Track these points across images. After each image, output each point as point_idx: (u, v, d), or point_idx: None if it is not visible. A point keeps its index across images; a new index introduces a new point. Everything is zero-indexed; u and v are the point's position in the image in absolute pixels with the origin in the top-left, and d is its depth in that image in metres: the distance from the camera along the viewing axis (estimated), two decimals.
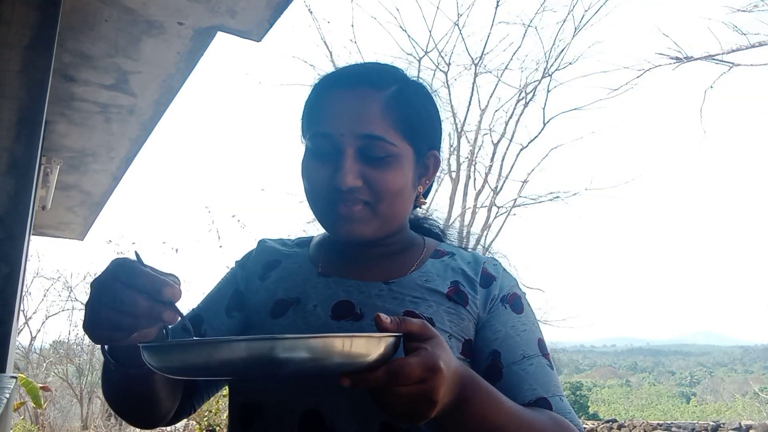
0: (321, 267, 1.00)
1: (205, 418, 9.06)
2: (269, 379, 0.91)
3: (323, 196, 0.94)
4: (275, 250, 1.06)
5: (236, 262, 1.09)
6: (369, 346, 0.68)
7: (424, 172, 1.01)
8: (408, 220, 1.04)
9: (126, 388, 0.91)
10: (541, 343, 0.96)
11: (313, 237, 1.09)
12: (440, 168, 1.05)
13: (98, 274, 0.75)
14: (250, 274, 1.04)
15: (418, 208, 1.09)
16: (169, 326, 0.79)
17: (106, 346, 0.82)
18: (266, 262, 1.04)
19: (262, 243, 1.09)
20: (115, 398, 0.94)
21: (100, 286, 0.72)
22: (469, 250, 1.07)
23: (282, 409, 0.87)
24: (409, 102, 0.96)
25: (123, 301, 0.70)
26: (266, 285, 1.00)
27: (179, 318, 0.73)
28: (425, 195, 1.05)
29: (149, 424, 0.98)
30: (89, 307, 0.73)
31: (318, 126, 0.94)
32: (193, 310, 1.04)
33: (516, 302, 0.98)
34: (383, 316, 0.71)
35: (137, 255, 0.75)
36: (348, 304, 0.93)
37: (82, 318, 0.76)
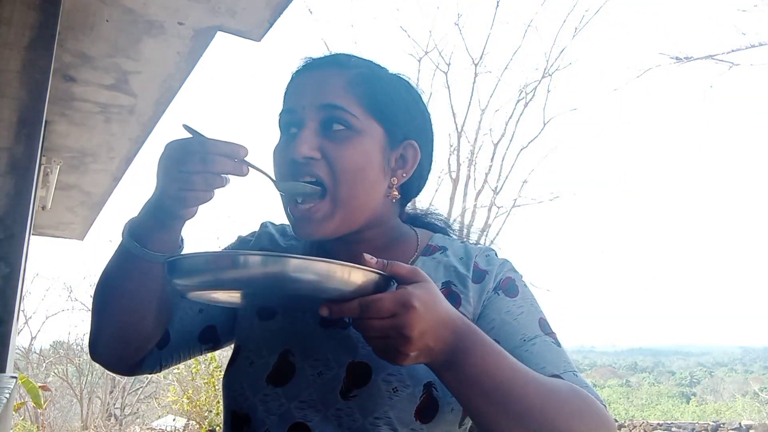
0: None
1: (207, 419, 9.05)
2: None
3: (283, 177, 0.91)
4: (273, 241, 1.04)
5: (239, 237, 1.07)
6: (364, 277, 0.73)
7: (401, 163, 0.95)
8: (396, 213, 1.00)
9: (127, 285, 0.88)
10: (542, 323, 0.90)
11: None
12: (429, 164, 1.01)
13: (171, 142, 0.80)
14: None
15: (412, 204, 1.06)
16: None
17: (128, 232, 0.85)
18: (263, 248, 1.02)
19: (263, 227, 1.07)
20: (108, 295, 0.90)
21: (183, 151, 0.78)
22: (464, 241, 1.02)
23: (270, 422, 0.86)
24: (378, 82, 0.93)
25: (213, 162, 0.77)
26: None
27: (265, 172, 0.84)
28: (409, 189, 0.99)
29: (121, 347, 0.94)
30: (172, 171, 0.78)
31: (284, 104, 0.94)
32: None
33: (510, 286, 0.93)
34: (368, 256, 0.74)
35: (190, 129, 0.81)
36: None
37: (156, 187, 0.81)
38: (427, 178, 1.03)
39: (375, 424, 0.82)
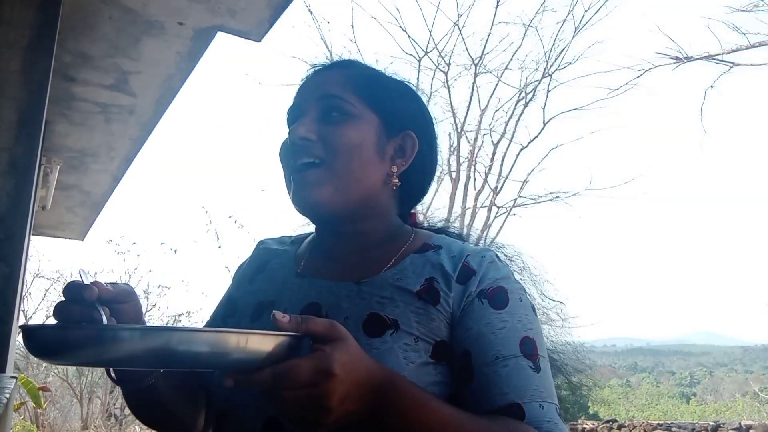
0: (301, 267, 0.99)
1: None
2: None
3: (285, 161, 0.97)
4: (269, 251, 1.06)
5: (237, 266, 1.10)
6: (265, 344, 0.65)
7: (400, 152, 0.99)
8: (396, 208, 1.02)
9: (140, 401, 0.93)
10: (525, 343, 0.85)
11: (311, 233, 1.07)
12: (433, 155, 1.05)
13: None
14: (242, 278, 1.05)
15: (417, 211, 1.08)
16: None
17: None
18: (258, 264, 1.05)
19: (259, 245, 1.10)
20: (137, 412, 0.97)
21: (54, 308, 0.77)
22: (466, 243, 1.00)
23: (246, 416, 0.87)
24: (377, 78, 1.00)
25: (62, 311, 0.75)
26: (252, 288, 1.01)
27: (102, 316, 0.77)
28: (411, 180, 1.01)
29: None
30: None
31: (291, 104, 1.01)
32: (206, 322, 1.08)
33: (498, 297, 0.88)
34: (279, 314, 0.67)
35: (80, 273, 0.81)
36: (316, 306, 0.91)
37: None
38: (430, 176, 1.06)
39: None
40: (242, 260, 1.10)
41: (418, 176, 1.02)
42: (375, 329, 0.85)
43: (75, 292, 0.75)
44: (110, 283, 0.82)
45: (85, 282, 0.77)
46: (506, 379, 0.82)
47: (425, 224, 1.11)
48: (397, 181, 0.98)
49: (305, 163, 0.93)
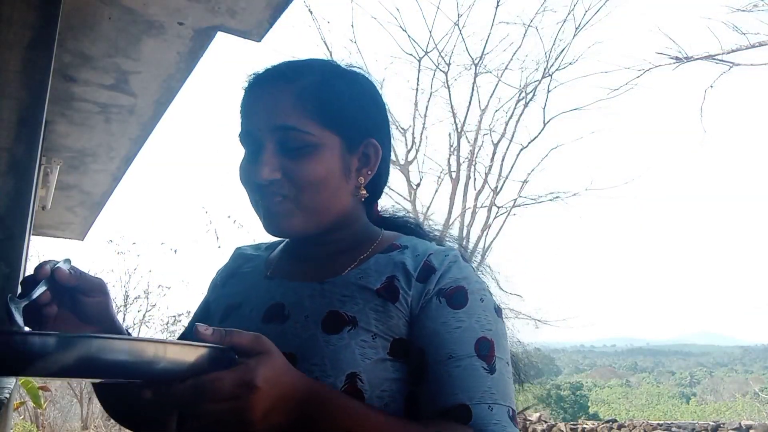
0: (271, 270, 1.00)
1: None
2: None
3: (251, 193, 0.95)
4: (243, 256, 1.08)
5: (217, 271, 1.11)
6: (183, 354, 0.63)
7: (364, 162, 0.97)
8: (363, 212, 1.01)
9: (107, 395, 0.95)
10: (481, 344, 0.84)
11: (284, 240, 1.08)
12: (390, 157, 1.03)
13: None
14: (216, 283, 1.07)
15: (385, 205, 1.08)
16: None
17: None
18: (231, 269, 1.06)
19: (236, 251, 1.11)
20: (107, 408, 0.98)
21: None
22: (435, 241, 1.01)
23: None
24: (327, 90, 0.93)
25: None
26: (223, 291, 1.03)
27: (40, 293, 0.79)
28: (376, 186, 1.01)
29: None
30: None
31: (241, 125, 0.96)
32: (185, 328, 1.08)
33: (456, 296, 0.87)
34: (202, 326, 0.66)
35: (63, 261, 0.82)
36: (279, 306, 0.92)
37: None
38: (389, 171, 1.05)
39: None
40: (220, 266, 1.12)
41: (382, 177, 1.02)
42: (333, 326, 0.86)
43: (33, 274, 0.77)
44: (76, 271, 0.81)
45: (61, 265, 0.78)
46: (457, 381, 0.82)
47: (387, 215, 1.11)
48: (365, 192, 0.97)
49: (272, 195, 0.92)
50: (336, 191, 0.93)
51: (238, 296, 0.98)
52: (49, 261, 0.80)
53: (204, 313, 1.04)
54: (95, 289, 0.83)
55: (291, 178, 0.90)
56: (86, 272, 0.84)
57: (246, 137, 0.95)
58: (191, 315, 1.09)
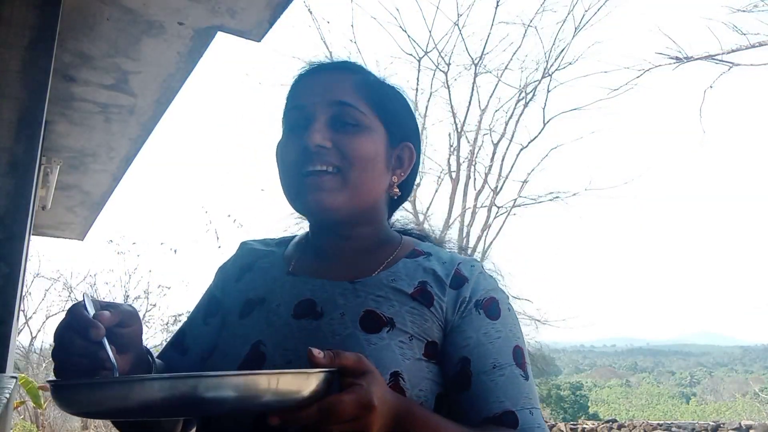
0: (292, 266, 1.00)
1: None
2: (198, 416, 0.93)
3: (294, 164, 0.94)
4: (254, 251, 1.07)
5: (218, 267, 1.10)
6: (299, 383, 0.66)
7: (399, 162, 1.02)
8: (385, 216, 1.04)
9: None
10: (517, 352, 0.91)
11: (295, 236, 1.09)
12: (419, 166, 1.06)
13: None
14: (227, 278, 1.06)
15: (396, 213, 1.10)
16: (151, 349, 0.84)
17: None
18: (243, 264, 1.06)
19: (242, 245, 1.10)
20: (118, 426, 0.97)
21: (56, 334, 0.77)
22: (450, 250, 1.05)
23: (236, 417, 0.87)
24: (381, 87, 1.00)
25: (64, 343, 0.75)
26: (240, 286, 1.02)
27: (110, 356, 0.75)
28: (404, 190, 1.05)
29: None
30: (53, 355, 0.78)
31: (292, 102, 0.98)
32: (182, 323, 1.07)
33: (492, 307, 0.93)
34: (315, 351, 0.69)
35: (84, 297, 0.79)
36: (310, 302, 0.93)
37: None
38: (415, 179, 1.09)
39: None
40: (224, 261, 1.10)
41: (409, 186, 1.06)
42: (371, 325, 0.88)
43: (81, 327, 0.74)
44: (113, 305, 0.80)
45: (89, 306, 0.76)
46: (503, 388, 0.87)
47: (398, 227, 1.13)
48: (397, 190, 1.02)
49: (319, 170, 0.92)
50: (379, 177, 0.97)
51: (259, 291, 0.98)
52: (86, 317, 0.75)
53: (210, 309, 1.03)
54: (131, 318, 0.82)
55: (342, 151, 0.93)
56: (118, 303, 0.83)
57: (295, 112, 0.97)
58: (193, 308, 1.08)
